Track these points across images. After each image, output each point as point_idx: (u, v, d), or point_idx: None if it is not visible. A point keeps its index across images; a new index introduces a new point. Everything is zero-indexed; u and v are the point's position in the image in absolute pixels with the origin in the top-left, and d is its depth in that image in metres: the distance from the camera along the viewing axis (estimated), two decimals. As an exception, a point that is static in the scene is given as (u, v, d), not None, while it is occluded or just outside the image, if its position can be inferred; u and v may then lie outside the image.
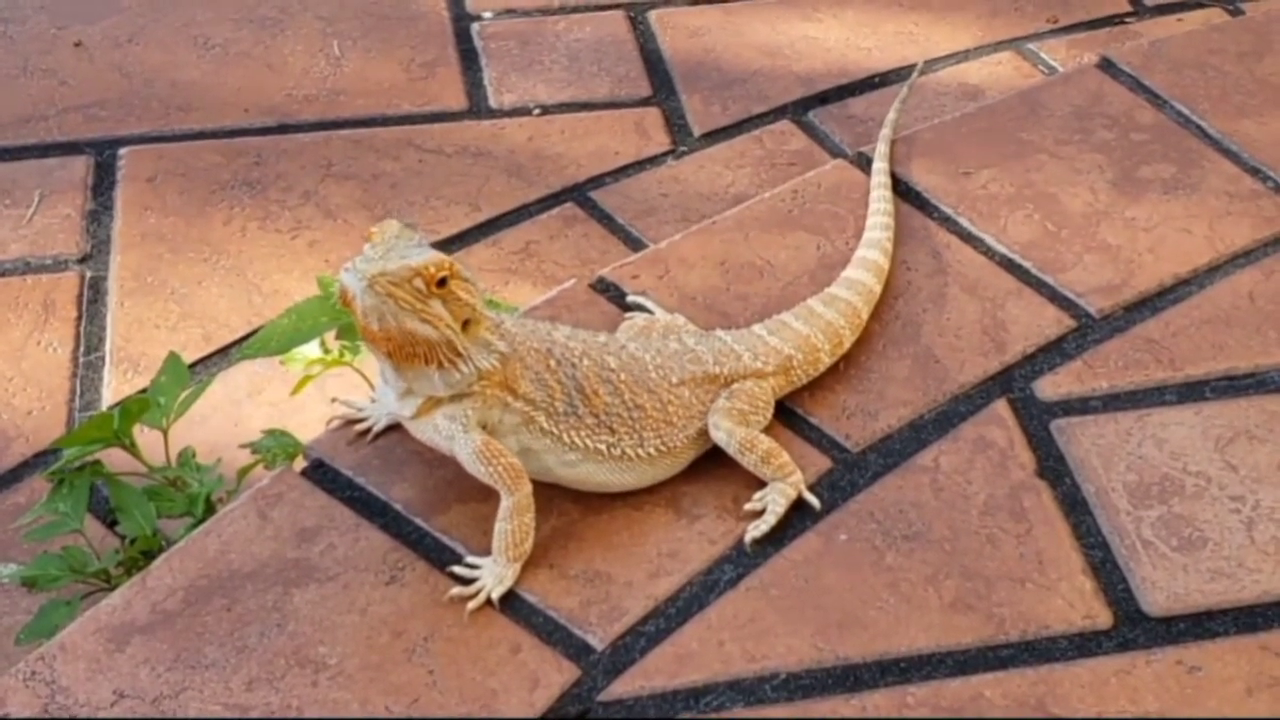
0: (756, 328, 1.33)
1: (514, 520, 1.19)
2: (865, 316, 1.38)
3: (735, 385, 1.28)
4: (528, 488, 1.20)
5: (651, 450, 1.24)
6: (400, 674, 1.15)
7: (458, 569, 1.20)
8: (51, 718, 1.11)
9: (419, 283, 1.13)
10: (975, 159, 1.60)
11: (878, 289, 1.41)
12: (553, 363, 1.22)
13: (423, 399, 1.19)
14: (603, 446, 1.23)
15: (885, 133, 1.58)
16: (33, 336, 1.68)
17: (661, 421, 1.25)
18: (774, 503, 1.25)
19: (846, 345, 1.36)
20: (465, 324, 1.17)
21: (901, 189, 1.55)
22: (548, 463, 1.23)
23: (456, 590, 1.18)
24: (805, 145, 1.93)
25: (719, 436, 1.26)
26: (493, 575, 1.19)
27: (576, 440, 1.22)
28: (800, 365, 1.32)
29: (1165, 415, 1.35)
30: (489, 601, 1.18)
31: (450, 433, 1.19)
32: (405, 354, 1.15)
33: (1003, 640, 1.18)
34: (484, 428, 1.19)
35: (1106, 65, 1.74)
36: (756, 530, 1.23)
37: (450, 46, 2.08)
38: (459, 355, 1.17)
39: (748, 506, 1.25)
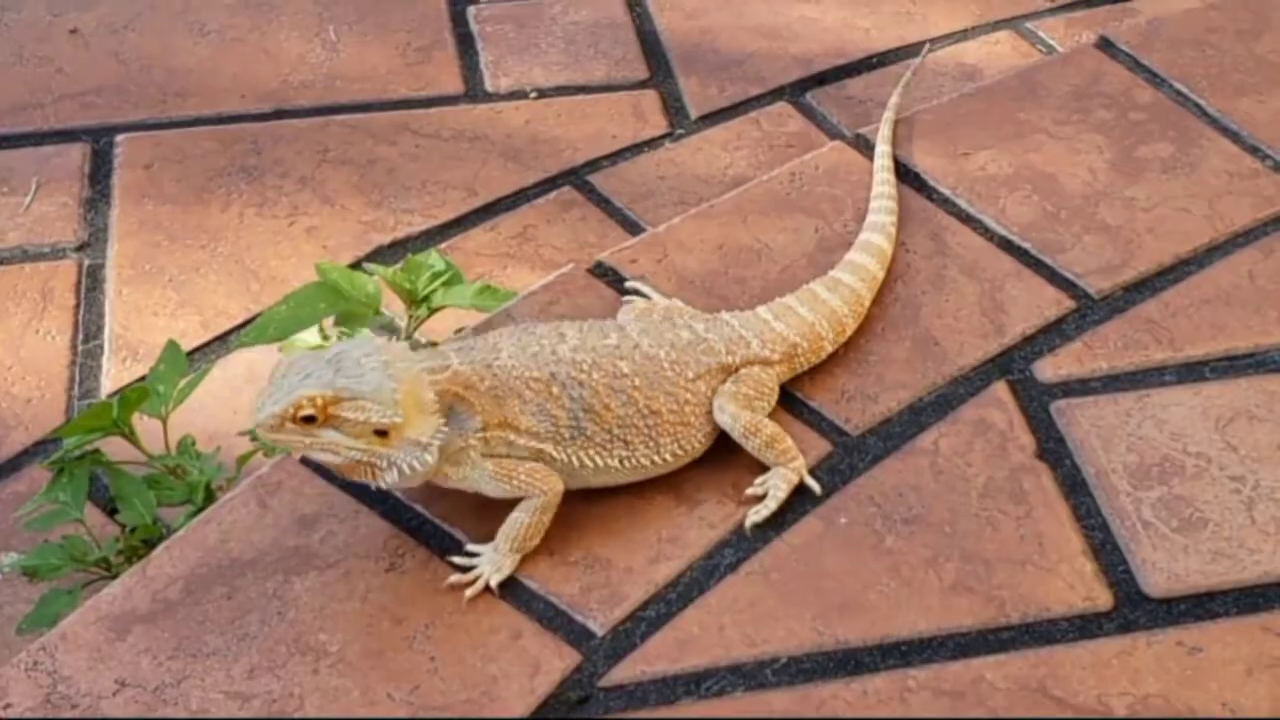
0: (761, 311, 1.32)
1: (535, 515, 1.18)
2: (868, 302, 1.38)
3: (742, 370, 1.28)
4: (559, 486, 1.19)
5: (668, 456, 1.23)
6: (401, 661, 1.15)
7: (456, 559, 1.20)
8: (54, 714, 1.12)
9: (292, 425, 1.11)
10: (973, 140, 1.60)
11: (880, 273, 1.40)
12: (555, 389, 1.19)
13: None
14: (616, 461, 1.22)
15: (888, 115, 1.57)
16: (31, 325, 1.67)
17: (678, 424, 1.23)
18: (775, 488, 1.24)
19: (849, 332, 1.36)
20: (384, 433, 1.13)
21: (899, 170, 1.54)
22: (562, 476, 1.21)
23: (455, 577, 1.18)
24: (803, 127, 1.93)
25: (724, 420, 1.26)
26: (491, 563, 1.19)
27: (588, 460, 1.21)
28: (804, 353, 1.32)
29: (1165, 396, 1.35)
30: (488, 588, 1.18)
31: (462, 476, 1.18)
32: (346, 470, 1.15)
33: (1003, 622, 1.18)
34: (494, 459, 1.19)
35: (1105, 44, 1.73)
36: (757, 515, 1.23)
37: (446, 30, 2.07)
38: (386, 466, 1.14)
39: (749, 491, 1.25)
